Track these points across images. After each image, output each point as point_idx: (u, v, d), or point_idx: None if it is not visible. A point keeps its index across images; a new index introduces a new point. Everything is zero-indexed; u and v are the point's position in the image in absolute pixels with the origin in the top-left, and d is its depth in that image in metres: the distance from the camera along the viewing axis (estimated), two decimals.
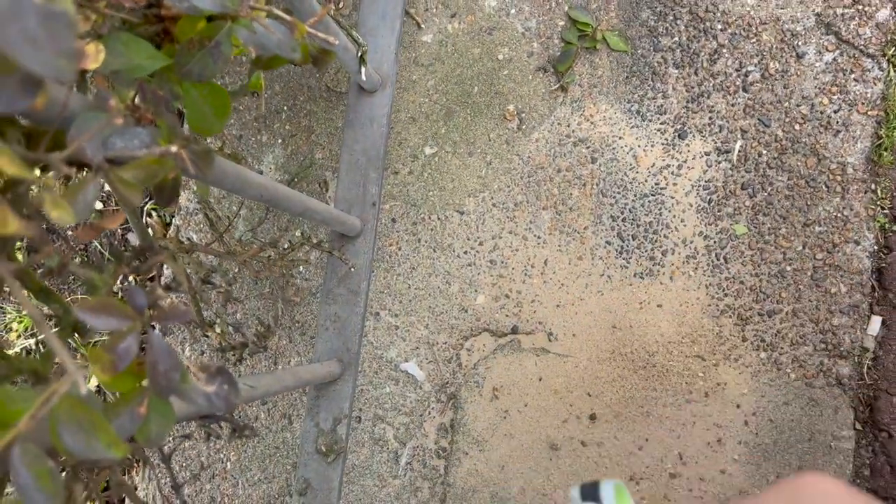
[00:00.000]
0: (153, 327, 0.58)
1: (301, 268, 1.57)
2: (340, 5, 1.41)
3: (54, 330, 0.70)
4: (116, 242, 1.77)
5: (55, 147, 0.64)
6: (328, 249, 1.33)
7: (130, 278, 1.53)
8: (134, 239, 1.69)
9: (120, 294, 1.59)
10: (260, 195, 0.92)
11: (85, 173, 0.54)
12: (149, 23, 0.67)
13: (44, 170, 0.55)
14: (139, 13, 0.66)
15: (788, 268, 1.45)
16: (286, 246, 1.21)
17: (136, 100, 0.60)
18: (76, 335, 0.79)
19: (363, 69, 1.21)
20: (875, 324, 1.42)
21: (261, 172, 1.64)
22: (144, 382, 0.60)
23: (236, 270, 1.54)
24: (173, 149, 0.53)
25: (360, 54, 1.19)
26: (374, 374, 1.57)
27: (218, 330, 1.05)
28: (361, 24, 1.46)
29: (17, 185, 0.52)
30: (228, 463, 1.65)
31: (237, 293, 1.59)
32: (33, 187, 0.59)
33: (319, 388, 1.47)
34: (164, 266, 1.62)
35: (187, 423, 1.64)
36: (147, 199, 1.77)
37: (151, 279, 1.54)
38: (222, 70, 0.65)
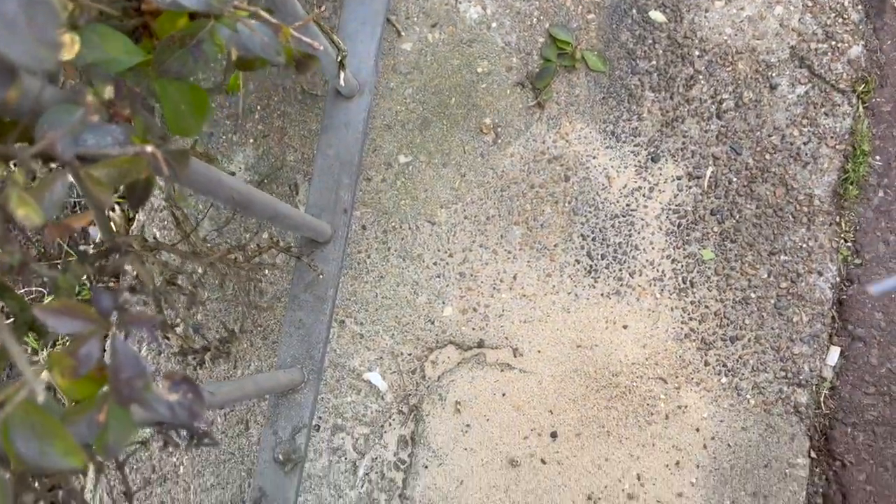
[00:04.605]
0: (118, 332, 0.56)
1: (267, 271, 1.54)
2: (322, 8, 1.40)
3: (8, 323, 0.67)
4: (76, 235, 1.72)
5: (22, 140, 0.61)
6: (297, 255, 1.30)
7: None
8: (95, 233, 1.64)
9: (79, 293, 1.54)
10: (231, 198, 0.90)
11: (53, 169, 0.52)
12: (128, 16, 0.64)
13: (7, 161, 0.53)
14: (118, 5, 0.64)
15: (753, 295, 1.47)
16: (253, 248, 1.19)
17: (112, 96, 0.58)
18: (33, 334, 0.76)
19: (342, 74, 1.20)
20: (834, 354, 1.45)
21: (232, 173, 1.61)
22: (104, 388, 0.57)
23: (201, 272, 1.50)
24: (148, 149, 0.51)
25: (339, 59, 1.17)
26: (335, 383, 1.55)
27: (179, 331, 1.02)
28: (341, 29, 1.44)
29: None
30: (181, 467, 1.61)
31: (201, 296, 1.55)
32: None
33: (279, 396, 1.44)
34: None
35: (143, 429, 1.59)
36: None
37: (115, 277, 1.49)
38: (203, 69, 0.63)
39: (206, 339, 0.99)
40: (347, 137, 1.43)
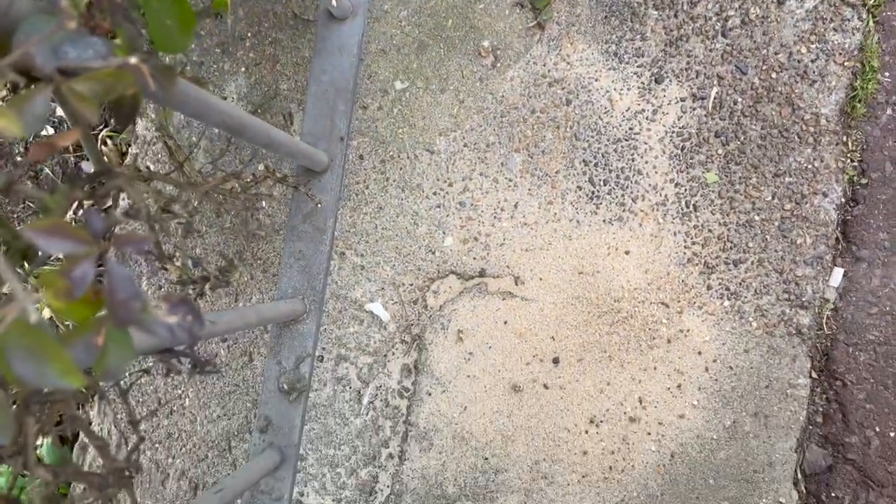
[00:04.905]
0: (112, 253, 0.54)
1: (264, 203, 1.52)
2: None
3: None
4: (70, 172, 1.69)
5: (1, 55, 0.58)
6: (293, 184, 1.28)
7: (86, 205, 1.46)
8: (88, 167, 1.61)
9: (74, 223, 1.52)
10: (223, 122, 0.87)
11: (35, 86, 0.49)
12: None
13: None
14: None
15: (757, 217, 1.46)
16: (249, 179, 1.16)
17: (92, 8, 0.55)
18: (25, 264, 0.74)
19: None
20: (837, 276, 1.44)
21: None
22: (102, 313, 0.56)
23: (197, 203, 1.48)
24: (132, 60, 0.49)
25: None
26: (338, 314, 1.55)
27: (178, 263, 1.01)
28: None
29: None
30: (187, 399, 1.63)
31: (198, 226, 1.54)
32: None
33: (282, 327, 1.44)
34: (122, 197, 1.55)
35: (145, 358, 1.60)
36: (102, 127, 1.69)
37: (107, 210, 1.47)
38: None
39: (206, 271, 0.98)
40: (341, 62, 1.39)
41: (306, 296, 1.42)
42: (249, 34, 1.60)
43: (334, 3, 1.18)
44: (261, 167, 1.55)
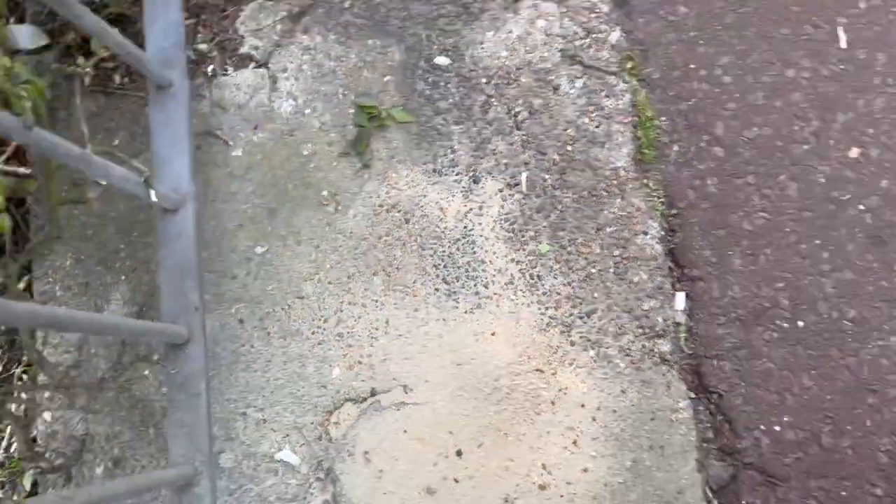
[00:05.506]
0: None
1: (135, 388, 1.64)
2: (115, 142, 1.57)
3: None
4: None
5: None
6: (159, 362, 1.40)
7: None
8: None
9: None
10: (57, 325, 1.01)
11: None
12: None
13: None
14: None
15: (593, 270, 1.60)
16: (118, 368, 1.29)
17: None
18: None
19: (152, 192, 1.34)
20: (680, 299, 1.57)
21: (102, 310, 1.73)
22: None
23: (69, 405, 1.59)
24: None
25: (144, 180, 1.32)
26: (252, 472, 1.63)
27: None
28: (156, 154, 1.60)
29: None
30: None
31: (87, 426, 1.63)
32: None
33: (179, 492, 1.49)
34: None
35: None
36: None
37: None
38: None
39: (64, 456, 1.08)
40: (182, 245, 1.56)
41: (195, 458, 1.50)
42: (122, 245, 1.79)
43: (155, 199, 1.37)
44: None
